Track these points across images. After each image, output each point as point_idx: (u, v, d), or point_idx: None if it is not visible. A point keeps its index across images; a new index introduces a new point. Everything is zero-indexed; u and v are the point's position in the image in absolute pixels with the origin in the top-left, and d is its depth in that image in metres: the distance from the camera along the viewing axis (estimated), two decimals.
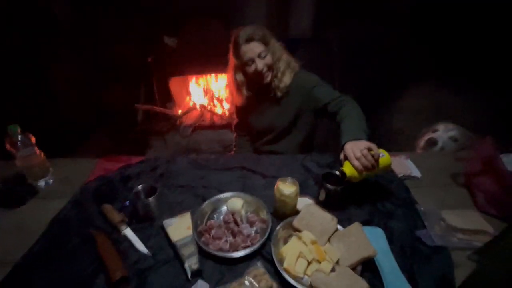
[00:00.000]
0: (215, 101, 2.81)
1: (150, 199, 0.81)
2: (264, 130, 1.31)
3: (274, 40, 1.16)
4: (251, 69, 1.13)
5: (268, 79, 1.17)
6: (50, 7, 2.02)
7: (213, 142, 2.71)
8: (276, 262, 0.69)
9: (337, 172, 0.89)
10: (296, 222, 0.80)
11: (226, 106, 2.80)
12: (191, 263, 0.69)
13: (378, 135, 2.44)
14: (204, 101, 2.82)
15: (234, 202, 0.86)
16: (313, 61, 1.39)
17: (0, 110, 1.84)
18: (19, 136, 0.92)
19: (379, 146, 0.87)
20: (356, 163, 0.83)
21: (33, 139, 0.96)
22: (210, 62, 2.47)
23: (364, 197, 0.94)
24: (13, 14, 1.88)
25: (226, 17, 2.33)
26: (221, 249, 0.74)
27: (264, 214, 0.83)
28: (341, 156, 0.91)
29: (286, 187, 0.81)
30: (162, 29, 2.30)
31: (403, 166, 1.11)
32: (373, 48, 2.49)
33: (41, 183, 1.00)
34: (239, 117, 1.43)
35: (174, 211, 0.88)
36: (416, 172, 1.07)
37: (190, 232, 0.77)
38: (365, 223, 0.82)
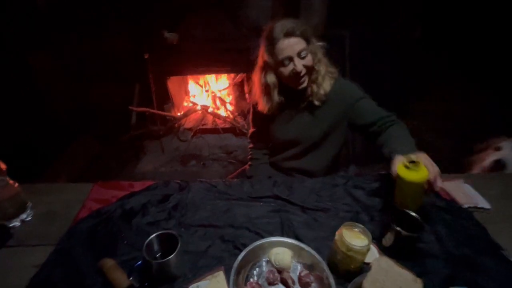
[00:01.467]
0: (218, 103, 2.56)
1: (171, 257, 0.59)
2: (289, 143, 1.11)
3: (314, 38, 0.95)
4: (287, 70, 0.93)
5: (305, 84, 0.97)
6: None
7: (215, 148, 2.48)
8: None
9: (412, 213, 0.70)
10: (368, 285, 0.60)
11: (230, 108, 2.56)
12: None
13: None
14: (206, 102, 2.58)
15: (280, 255, 0.65)
16: None
17: None
18: None
19: None
20: (435, 170, 0.73)
21: (3, 166, 0.71)
22: (214, 61, 2.23)
23: (433, 240, 0.75)
24: None
25: (232, 11, 2.09)
26: None
27: (324, 271, 0.63)
28: (394, 169, 0.77)
29: (355, 239, 0.61)
30: (161, 22, 2.03)
31: (465, 194, 0.93)
32: (385, 47, 2.33)
33: (16, 223, 0.75)
34: (257, 126, 1.21)
35: (198, 265, 0.66)
36: (483, 202, 0.90)
37: None
38: (448, 280, 0.64)
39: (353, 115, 1.01)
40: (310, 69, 0.95)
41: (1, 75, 1.73)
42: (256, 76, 1.03)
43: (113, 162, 2.29)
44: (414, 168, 0.72)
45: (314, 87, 0.98)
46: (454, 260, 0.70)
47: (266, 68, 0.99)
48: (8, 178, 0.72)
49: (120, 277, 0.60)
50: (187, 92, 2.61)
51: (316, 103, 1.00)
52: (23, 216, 0.77)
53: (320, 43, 0.98)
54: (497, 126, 1.87)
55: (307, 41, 0.92)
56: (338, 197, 0.89)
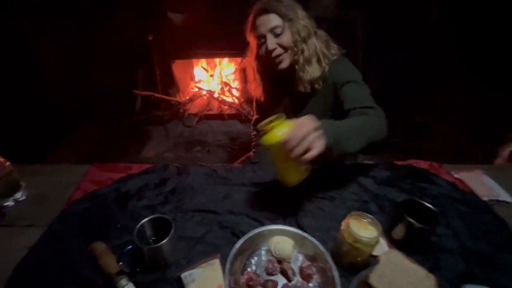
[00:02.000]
0: (224, 88, 2.50)
1: (163, 242, 0.55)
2: None
3: (302, 15, 0.87)
4: (262, 49, 0.88)
5: (284, 64, 0.89)
6: None
7: (220, 134, 2.43)
8: None
9: (426, 204, 0.64)
10: (376, 279, 0.55)
11: (236, 93, 2.50)
12: None
13: (399, 128, 2.20)
14: (212, 87, 2.51)
15: (280, 244, 0.61)
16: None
17: None
18: None
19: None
20: (296, 132, 0.55)
21: None
22: (221, 44, 2.15)
23: (447, 234, 0.69)
24: None
25: None
26: None
27: (327, 263, 0.58)
28: None
29: (363, 230, 0.56)
30: (166, 2, 1.95)
31: (485, 186, 0.86)
32: (401, 32, 2.20)
33: (9, 202, 0.73)
34: (259, 113, 1.16)
35: (193, 252, 0.62)
36: (505, 195, 0.82)
37: None
38: (463, 277, 0.59)
39: (338, 100, 0.87)
40: (286, 49, 0.87)
41: (3, 60, 1.71)
42: (247, 60, 0.99)
43: (117, 148, 2.28)
44: (275, 128, 0.59)
45: (299, 71, 0.89)
46: (470, 256, 0.64)
47: (252, 50, 0.94)
48: None
49: (110, 262, 0.57)
50: (192, 77, 2.55)
51: (302, 89, 0.91)
52: (17, 196, 0.74)
53: (311, 21, 0.89)
54: None
55: (286, 17, 0.84)
56: (345, 186, 0.84)
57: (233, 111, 2.44)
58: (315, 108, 0.95)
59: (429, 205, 0.64)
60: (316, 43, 0.89)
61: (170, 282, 0.56)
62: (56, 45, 2.01)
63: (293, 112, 0.98)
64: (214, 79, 2.49)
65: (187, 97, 2.45)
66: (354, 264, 0.59)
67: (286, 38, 0.85)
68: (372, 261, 0.60)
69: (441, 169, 0.92)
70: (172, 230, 0.57)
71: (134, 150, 2.27)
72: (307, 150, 0.55)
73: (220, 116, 2.45)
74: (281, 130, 0.59)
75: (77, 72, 2.16)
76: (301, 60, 0.88)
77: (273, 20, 0.84)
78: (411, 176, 0.88)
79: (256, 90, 1.02)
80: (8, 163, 0.72)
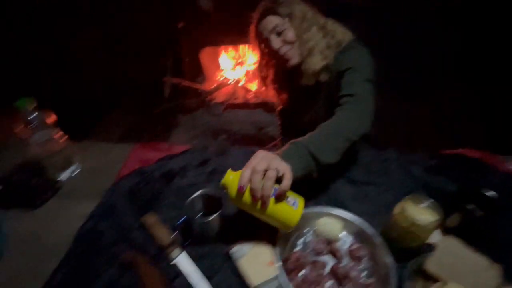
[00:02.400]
0: (250, 76, 2.48)
1: (214, 216, 0.56)
2: (308, 127, 0.73)
3: (300, 7, 0.83)
4: (270, 52, 0.89)
5: (293, 61, 0.85)
6: None
7: (246, 123, 2.43)
8: None
9: (488, 192, 0.59)
10: (433, 266, 0.52)
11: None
12: None
13: (401, 123, 2.06)
14: (238, 76, 2.51)
15: (328, 224, 0.60)
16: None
17: (12, 83, 1.63)
18: (34, 114, 0.68)
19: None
20: (246, 175, 0.49)
21: (53, 118, 0.72)
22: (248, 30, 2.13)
23: (507, 226, 0.64)
24: None
25: None
26: None
27: (376, 247, 0.56)
28: None
29: (422, 214, 0.53)
30: None
31: None
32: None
33: (64, 176, 0.77)
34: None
35: (239, 231, 0.63)
36: None
37: (273, 271, 0.52)
38: None
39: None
40: (293, 43, 0.83)
41: (38, 50, 1.80)
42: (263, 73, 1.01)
43: (146, 135, 2.35)
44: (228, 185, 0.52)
45: (303, 64, 0.85)
46: None
47: (260, 59, 0.97)
48: (57, 131, 0.73)
49: (163, 232, 0.59)
50: (218, 66, 2.55)
51: (305, 82, 0.88)
52: (71, 169, 0.79)
53: (311, 9, 0.86)
54: None
55: (283, 14, 0.81)
56: (391, 172, 0.80)
57: (258, 100, 2.42)
58: (324, 101, 0.92)
59: (489, 194, 0.60)
60: (319, 34, 0.84)
61: (220, 255, 0.57)
62: (89, 37, 2.09)
63: (304, 106, 0.98)
64: (241, 67, 2.48)
65: (214, 86, 2.46)
66: (405, 251, 0.56)
67: (290, 34, 0.82)
68: (425, 248, 0.57)
69: (495, 158, 0.86)
70: (223, 206, 0.58)
71: (163, 138, 2.33)
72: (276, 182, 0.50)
73: (245, 105, 2.45)
74: (233, 182, 0.51)
75: (109, 61, 2.24)
76: (304, 52, 0.85)
77: (272, 21, 0.82)
78: (461, 166, 0.83)
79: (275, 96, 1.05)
80: (65, 138, 0.76)
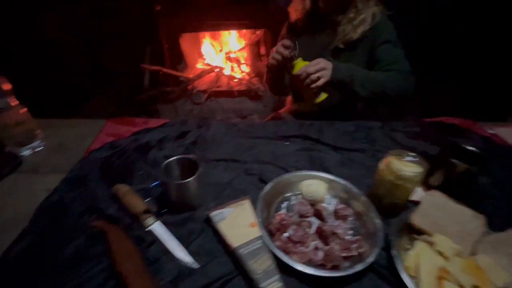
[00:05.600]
0: (233, 64, 2.43)
1: (191, 179, 0.52)
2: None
3: None
4: None
5: (325, 7, 0.88)
6: None
7: (230, 111, 2.38)
8: (408, 282, 0.42)
9: (469, 147, 0.59)
10: (418, 219, 0.51)
11: (246, 70, 2.43)
12: None
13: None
14: (220, 63, 2.45)
15: (313, 186, 0.57)
16: None
17: None
18: None
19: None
20: (303, 68, 0.76)
21: (7, 86, 0.65)
22: (230, 15, 2.07)
23: (488, 183, 0.65)
24: None
25: None
26: (311, 262, 0.46)
27: (362, 206, 0.55)
28: None
29: (407, 166, 0.52)
30: None
31: None
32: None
33: (26, 151, 0.71)
34: None
35: (221, 197, 0.59)
36: None
37: (256, 232, 0.49)
38: (510, 222, 0.55)
39: (373, 58, 0.88)
40: (345, 1, 0.83)
41: (11, 34, 1.66)
42: None
43: None
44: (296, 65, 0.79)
45: (348, 27, 0.85)
46: None
47: None
48: (13, 99, 0.66)
49: (136, 201, 0.54)
50: (200, 53, 2.48)
51: (341, 46, 0.88)
52: (34, 145, 0.72)
53: None
54: None
55: None
56: (375, 139, 0.80)
57: (242, 88, 2.38)
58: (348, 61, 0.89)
59: (471, 148, 0.59)
60: (374, 8, 0.85)
61: (199, 221, 0.54)
62: (65, 22, 1.96)
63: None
64: (222, 54, 2.42)
65: (196, 73, 2.39)
66: (393, 207, 0.55)
67: None
68: (411, 206, 0.57)
69: (475, 125, 0.87)
70: (200, 168, 0.54)
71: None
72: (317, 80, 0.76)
73: (229, 93, 2.39)
74: (300, 65, 0.78)
75: (86, 49, 2.12)
76: (354, 22, 0.84)
77: None
78: (443, 131, 0.83)
79: (296, 8, 0.94)
80: (24, 109, 0.69)
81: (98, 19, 2.03)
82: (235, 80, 2.40)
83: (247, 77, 2.39)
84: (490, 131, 0.85)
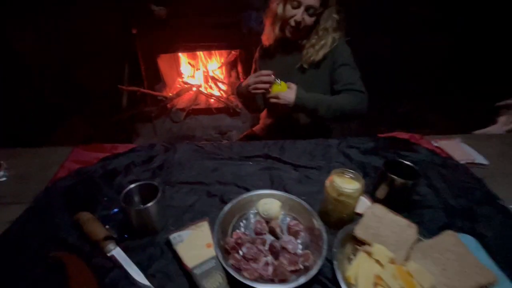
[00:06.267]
0: (211, 82, 2.50)
1: (150, 204, 0.55)
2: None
3: (335, 9, 0.94)
4: (290, 11, 0.92)
5: (295, 37, 0.98)
6: None
7: (209, 128, 2.42)
8: None
9: (406, 162, 0.66)
10: (360, 231, 0.57)
11: (223, 87, 2.50)
12: None
13: (386, 117, 2.27)
14: (199, 82, 2.51)
15: (268, 204, 0.62)
16: None
17: None
18: None
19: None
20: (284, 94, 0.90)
21: None
22: (205, 37, 2.15)
23: (429, 193, 0.72)
24: None
25: None
26: (261, 278, 0.50)
27: (312, 221, 0.60)
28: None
29: (347, 183, 0.57)
30: None
31: (462, 151, 0.90)
32: (382, 25, 2.25)
33: None
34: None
35: (183, 219, 0.62)
36: (480, 158, 0.87)
37: (211, 252, 0.52)
38: (444, 228, 0.61)
39: (333, 80, 1.00)
40: (305, 29, 0.94)
41: None
42: (273, 2, 0.99)
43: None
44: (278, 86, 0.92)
45: (309, 51, 0.98)
46: (452, 210, 0.68)
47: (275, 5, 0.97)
48: None
49: (97, 228, 0.56)
50: (178, 72, 2.54)
51: (305, 66, 1.00)
52: None
53: (338, 17, 0.95)
54: None
55: (325, 4, 0.92)
56: (331, 156, 0.86)
57: (221, 105, 2.44)
58: (315, 79, 1.01)
59: (408, 163, 0.67)
60: (333, 34, 0.96)
61: (159, 246, 0.56)
62: (39, 42, 1.96)
63: (296, 80, 1.02)
64: (200, 73, 2.49)
65: (174, 92, 2.43)
66: (341, 220, 0.61)
67: (309, 20, 0.92)
68: (357, 218, 0.62)
69: (422, 139, 0.96)
70: (160, 193, 0.57)
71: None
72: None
73: (208, 111, 2.45)
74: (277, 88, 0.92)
75: (63, 69, 2.11)
76: (316, 46, 0.96)
77: (315, 0, 0.89)
78: (393, 146, 0.91)
79: (269, 37, 1.04)
80: None
81: (74, 37, 2.04)
82: (213, 99, 2.46)
83: (225, 95, 2.46)
84: (435, 144, 0.94)
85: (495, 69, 2.01)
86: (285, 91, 0.91)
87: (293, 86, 0.92)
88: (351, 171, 0.60)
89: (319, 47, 0.96)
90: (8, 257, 0.53)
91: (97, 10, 1.95)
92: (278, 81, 0.91)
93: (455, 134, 0.99)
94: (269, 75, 0.90)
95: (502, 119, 1.29)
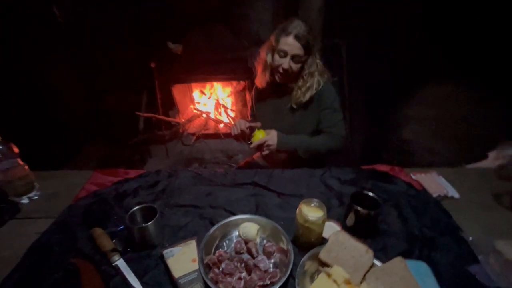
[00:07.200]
0: (220, 109, 2.70)
1: (149, 224, 0.68)
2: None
3: (318, 55, 1.10)
4: (278, 60, 1.06)
5: (284, 81, 1.12)
6: (51, 6, 1.94)
7: (217, 152, 2.58)
8: None
9: (370, 193, 0.76)
10: (324, 254, 0.66)
11: (232, 114, 2.68)
12: None
13: (388, 146, 2.33)
14: (209, 109, 2.72)
15: (247, 228, 0.73)
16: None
17: None
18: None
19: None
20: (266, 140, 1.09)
21: (16, 150, 0.84)
22: (216, 69, 2.38)
23: (397, 222, 0.81)
24: (11, 9, 1.79)
25: (232, 24, 2.25)
26: None
27: (284, 243, 0.70)
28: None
29: (312, 212, 0.68)
30: (167, 34, 2.21)
31: (437, 184, 0.97)
32: (383, 54, 2.38)
33: (24, 200, 0.87)
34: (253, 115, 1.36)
35: (177, 237, 0.74)
36: (453, 192, 0.94)
37: (195, 266, 0.64)
38: (404, 254, 0.69)
39: (318, 119, 1.14)
40: (293, 74, 1.08)
41: (19, 81, 1.90)
42: (262, 51, 1.15)
43: (122, 165, 2.43)
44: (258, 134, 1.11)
45: (298, 93, 1.11)
46: (414, 239, 0.75)
47: (270, 48, 1.10)
48: (19, 160, 0.84)
49: (106, 242, 0.69)
50: (191, 99, 2.76)
51: (294, 106, 1.14)
52: (31, 194, 0.88)
53: (319, 61, 1.11)
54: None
55: (309, 53, 1.06)
56: (313, 186, 0.96)
57: (229, 130, 2.61)
58: (303, 119, 1.15)
59: (373, 195, 0.76)
60: (318, 77, 1.11)
61: (154, 259, 0.68)
62: (68, 70, 2.25)
63: (286, 119, 1.18)
64: (211, 101, 2.70)
65: (186, 118, 2.64)
66: (310, 244, 0.70)
67: (296, 67, 1.07)
68: (325, 242, 0.71)
69: (402, 172, 1.04)
70: (158, 214, 0.70)
71: (137, 167, 2.42)
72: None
73: (216, 135, 2.62)
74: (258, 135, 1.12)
75: (88, 96, 2.39)
76: (303, 89, 1.10)
77: (300, 50, 1.02)
78: (373, 178, 1.00)
79: (261, 80, 1.19)
80: (26, 166, 0.87)
81: (99, 69, 2.32)
82: (222, 125, 2.64)
83: (232, 121, 2.63)
84: (414, 177, 1.02)
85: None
86: (266, 136, 1.09)
87: (273, 132, 1.10)
88: (316, 200, 0.70)
89: (305, 89, 1.09)
90: (36, 263, 0.67)
91: (123, 46, 2.23)
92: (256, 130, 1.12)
93: (435, 167, 1.07)
94: (251, 127, 1.12)
95: (492, 154, 1.35)
